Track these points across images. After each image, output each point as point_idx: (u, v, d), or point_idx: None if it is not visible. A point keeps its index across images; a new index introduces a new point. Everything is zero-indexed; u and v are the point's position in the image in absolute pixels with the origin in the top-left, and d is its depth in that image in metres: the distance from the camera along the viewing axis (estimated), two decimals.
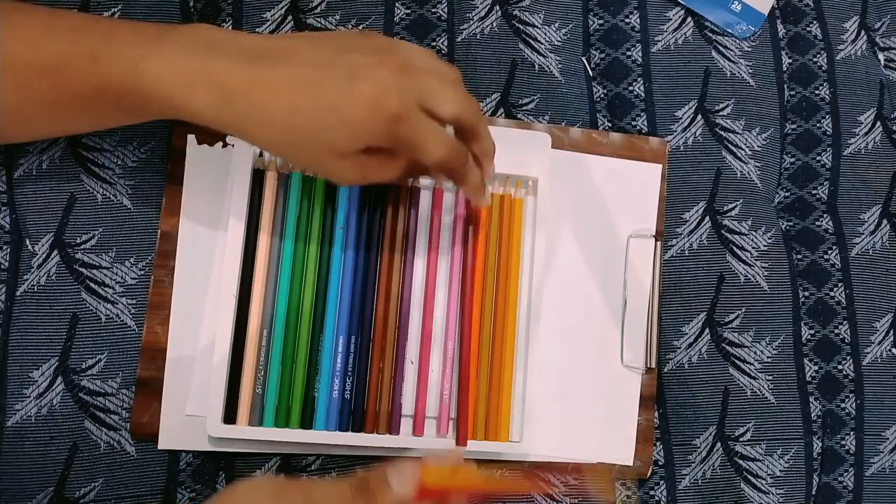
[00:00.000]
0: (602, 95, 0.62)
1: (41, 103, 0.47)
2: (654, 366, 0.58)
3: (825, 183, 0.64)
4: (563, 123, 0.61)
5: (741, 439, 0.60)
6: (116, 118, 0.50)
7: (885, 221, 0.64)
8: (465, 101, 0.47)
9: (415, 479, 0.42)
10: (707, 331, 0.60)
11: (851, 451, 0.61)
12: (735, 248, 0.62)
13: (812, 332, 0.62)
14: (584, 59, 0.62)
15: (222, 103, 0.43)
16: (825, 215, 0.63)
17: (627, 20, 0.63)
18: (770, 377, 0.61)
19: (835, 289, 0.63)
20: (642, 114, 0.62)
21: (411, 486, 0.42)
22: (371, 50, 0.45)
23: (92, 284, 0.55)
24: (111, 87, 0.45)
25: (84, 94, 0.46)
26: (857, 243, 0.63)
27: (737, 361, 0.60)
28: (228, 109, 0.44)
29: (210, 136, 0.56)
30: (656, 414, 0.59)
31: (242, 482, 0.43)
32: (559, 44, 0.62)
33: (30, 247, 0.54)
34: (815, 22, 0.65)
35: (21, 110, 0.47)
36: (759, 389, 0.60)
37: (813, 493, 0.60)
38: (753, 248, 0.62)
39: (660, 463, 0.58)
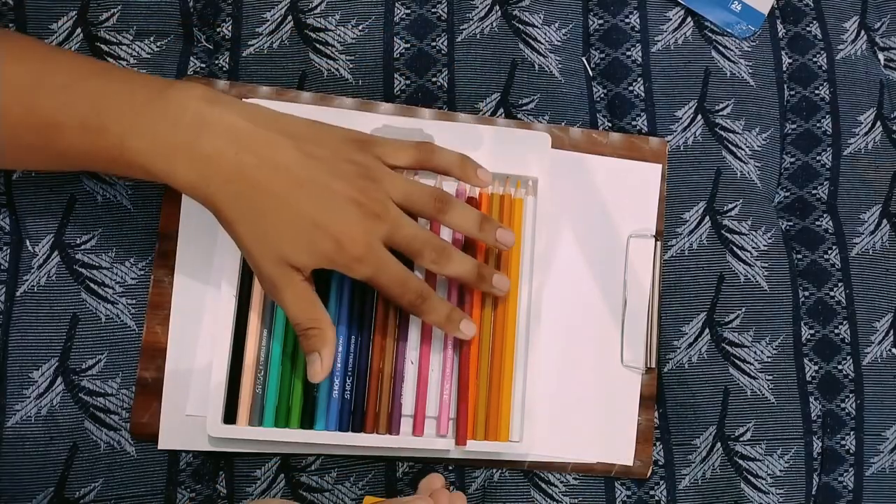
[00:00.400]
0: (602, 95, 0.62)
1: (31, 149, 0.47)
2: (654, 366, 0.58)
3: (825, 183, 0.64)
4: (563, 123, 0.61)
5: (741, 439, 0.60)
6: (103, 172, 0.55)
7: (885, 221, 0.64)
8: (428, 238, 0.50)
9: None
10: (707, 331, 0.60)
11: (851, 451, 0.61)
12: (735, 248, 0.62)
13: (812, 332, 0.62)
14: (584, 59, 0.62)
15: (200, 184, 0.46)
16: (825, 215, 0.63)
17: (627, 20, 0.63)
18: (770, 377, 0.61)
19: (835, 289, 0.63)
20: (642, 114, 0.62)
21: None
22: (357, 176, 0.48)
23: (92, 285, 0.55)
24: (99, 154, 0.46)
25: (72, 154, 0.47)
26: (857, 243, 0.63)
27: (737, 361, 0.60)
28: (205, 190, 0.46)
29: None
30: (656, 414, 0.59)
31: (256, 502, 0.44)
32: (559, 44, 0.62)
33: (30, 247, 0.54)
34: (814, 22, 0.65)
35: (10, 153, 0.48)
36: (759, 389, 0.60)
37: (813, 493, 0.60)
38: (753, 248, 0.62)
39: (660, 463, 0.58)
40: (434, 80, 0.60)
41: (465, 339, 0.54)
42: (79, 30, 0.56)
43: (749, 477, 0.59)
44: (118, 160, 0.45)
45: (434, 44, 0.60)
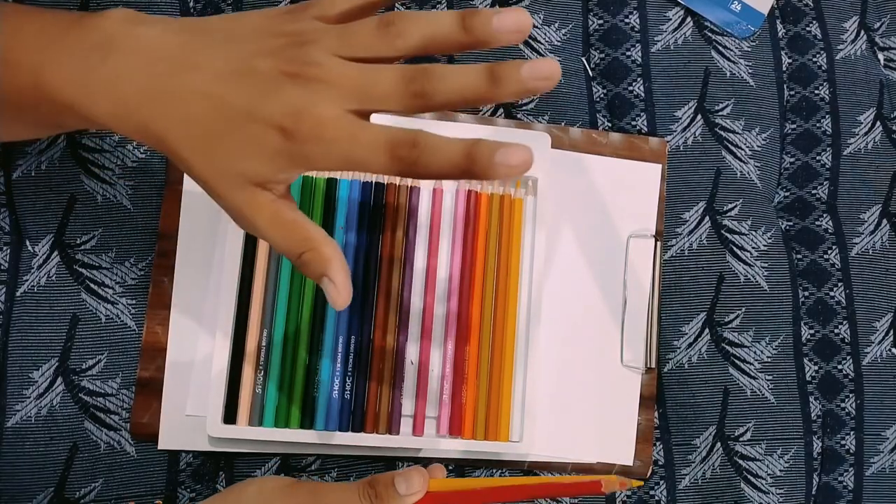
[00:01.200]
0: (602, 95, 0.62)
1: None
2: (653, 366, 0.58)
3: (825, 183, 0.64)
4: (563, 123, 0.61)
5: (741, 439, 0.60)
6: (38, 127, 0.48)
7: (885, 221, 0.64)
8: (395, 71, 0.38)
9: (422, 487, 0.43)
10: (707, 331, 0.60)
11: (851, 451, 0.61)
12: (735, 248, 0.62)
13: (812, 331, 0.62)
14: (583, 59, 0.62)
15: (121, 114, 0.39)
16: (825, 215, 0.63)
17: (627, 20, 0.63)
18: (770, 377, 0.61)
19: (835, 289, 0.63)
20: (642, 114, 0.62)
21: (418, 493, 0.43)
22: (286, 47, 0.38)
23: (92, 285, 0.55)
24: (20, 94, 0.41)
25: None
26: (857, 243, 0.63)
27: (737, 361, 0.60)
28: (128, 120, 0.40)
29: None
30: (656, 414, 0.59)
31: (252, 480, 0.44)
32: (559, 44, 0.62)
33: (30, 247, 0.54)
34: (814, 22, 0.65)
35: None
36: (759, 389, 0.60)
37: (813, 492, 0.60)
38: (753, 248, 0.62)
39: (660, 463, 0.58)
40: None
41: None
42: None
43: (749, 477, 0.59)
44: (41, 100, 0.41)
45: None
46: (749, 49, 0.64)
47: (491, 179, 0.44)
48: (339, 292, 0.40)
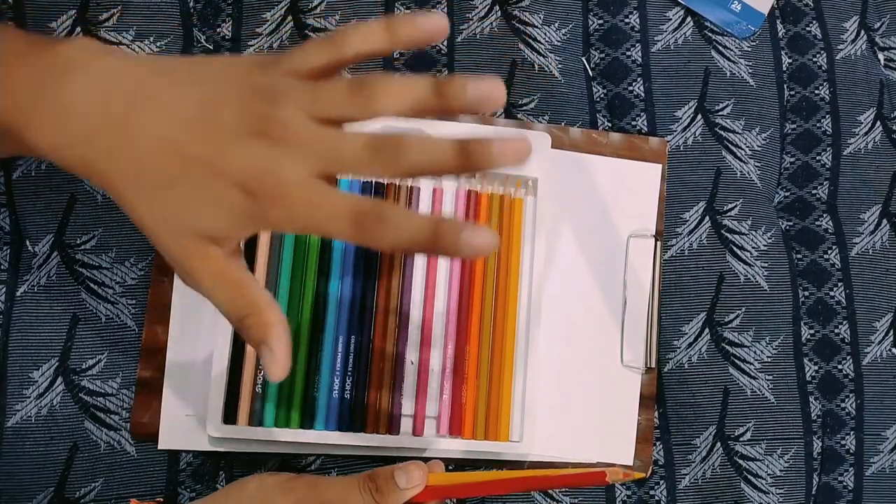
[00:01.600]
0: (602, 95, 0.62)
1: None
2: (653, 366, 0.58)
3: (825, 183, 0.64)
4: (563, 123, 0.61)
5: (741, 439, 0.60)
6: None
7: (885, 221, 0.64)
8: (366, 139, 0.36)
9: (421, 480, 0.44)
10: (707, 330, 0.60)
11: (851, 451, 0.61)
12: (735, 248, 0.62)
13: (812, 331, 0.62)
14: (583, 59, 0.62)
15: (64, 146, 0.37)
16: (825, 215, 0.63)
17: (627, 20, 0.63)
18: (770, 377, 0.61)
19: (835, 289, 0.63)
20: (642, 114, 0.62)
21: (417, 487, 0.44)
22: (254, 102, 0.36)
23: (92, 285, 0.55)
24: None
25: None
26: (857, 243, 0.63)
27: (737, 361, 0.60)
28: (71, 153, 0.37)
29: None
30: (656, 414, 0.59)
31: (252, 476, 0.44)
32: (559, 44, 0.62)
33: (30, 247, 0.54)
34: (814, 22, 0.65)
35: None
36: (759, 389, 0.60)
37: (813, 492, 0.60)
38: (753, 247, 0.62)
39: (660, 463, 0.58)
40: None
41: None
42: (78, 29, 0.56)
43: (749, 477, 0.59)
44: None
45: (434, 45, 0.60)
46: (749, 49, 0.64)
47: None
48: (277, 362, 0.38)
